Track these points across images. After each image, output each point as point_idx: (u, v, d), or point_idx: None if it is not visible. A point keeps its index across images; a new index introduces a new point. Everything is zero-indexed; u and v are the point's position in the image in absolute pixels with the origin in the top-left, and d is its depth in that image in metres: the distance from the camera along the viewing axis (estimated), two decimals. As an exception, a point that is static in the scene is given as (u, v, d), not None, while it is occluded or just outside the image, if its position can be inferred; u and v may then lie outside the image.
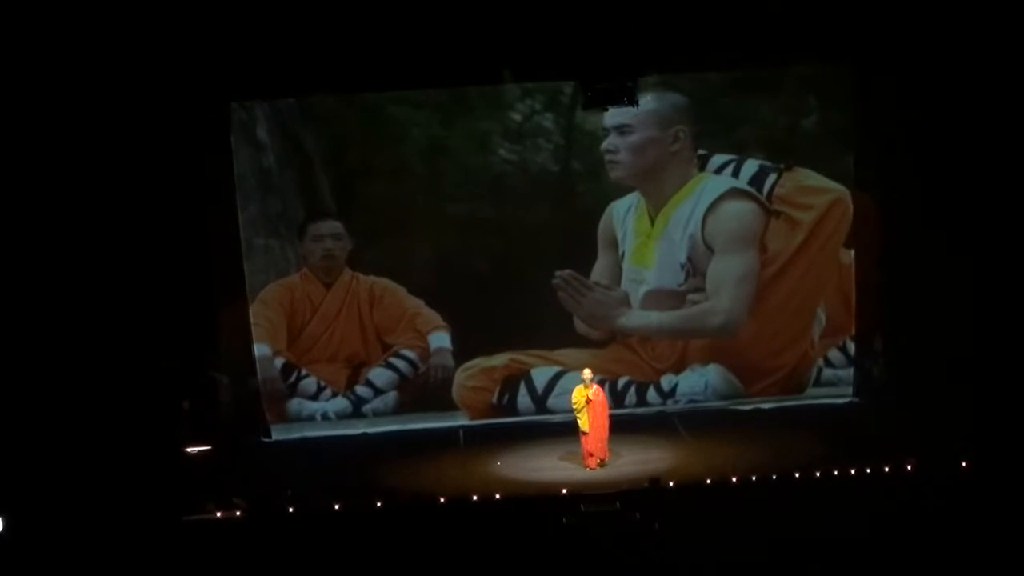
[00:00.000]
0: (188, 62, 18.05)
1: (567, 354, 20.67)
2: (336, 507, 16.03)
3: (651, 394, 20.66)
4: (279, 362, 20.61)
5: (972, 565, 13.34)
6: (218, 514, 16.06)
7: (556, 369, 20.65)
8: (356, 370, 20.78)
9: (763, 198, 20.21)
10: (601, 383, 19.06)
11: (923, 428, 17.53)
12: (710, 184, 20.27)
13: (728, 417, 19.97)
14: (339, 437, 20.32)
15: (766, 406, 20.36)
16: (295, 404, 20.67)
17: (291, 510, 16.07)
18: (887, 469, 16.19)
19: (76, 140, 17.95)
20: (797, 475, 16.24)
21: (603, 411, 17.68)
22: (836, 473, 16.20)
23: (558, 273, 20.40)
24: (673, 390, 20.68)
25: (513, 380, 20.71)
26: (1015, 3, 17.63)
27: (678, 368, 20.67)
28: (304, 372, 20.67)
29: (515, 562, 14.17)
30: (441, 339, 20.70)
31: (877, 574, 13.56)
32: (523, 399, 20.68)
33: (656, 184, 20.29)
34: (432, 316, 20.64)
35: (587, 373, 17.79)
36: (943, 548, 13.55)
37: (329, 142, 20.23)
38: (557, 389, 20.54)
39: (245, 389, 20.22)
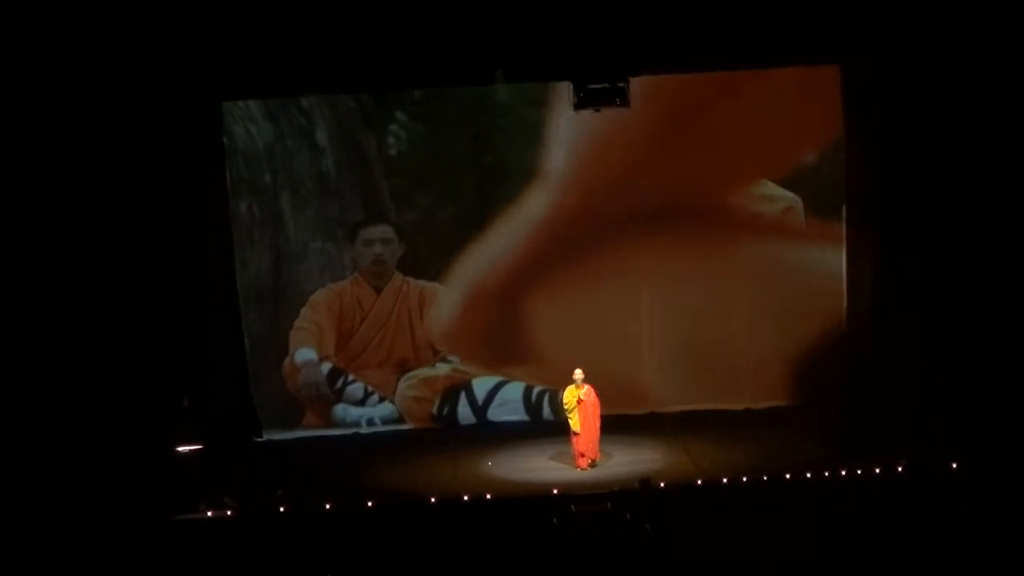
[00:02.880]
0: (181, 62, 18.05)
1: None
2: (327, 507, 16.05)
3: None
4: (325, 367, 20.53)
5: (963, 566, 13.37)
6: (209, 514, 16.07)
7: (497, 379, 20.55)
8: (405, 375, 20.71)
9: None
10: (543, 393, 19.62)
11: (913, 430, 17.58)
12: None
13: (719, 418, 19.95)
14: (330, 437, 20.28)
15: (757, 407, 20.38)
16: (340, 410, 20.56)
17: (282, 510, 16.08)
18: (878, 471, 16.24)
19: (71, 141, 17.89)
20: (788, 476, 16.29)
21: (595, 411, 17.68)
22: (827, 474, 16.24)
23: None
24: None
25: (454, 390, 20.57)
26: (1007, 3, 17.69)
27: None
28: (351, 377, 20.57)
29: (506, 562, 14.20)
30: None
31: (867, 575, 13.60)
32: (463, 409, 20.55)
33: None
34: None
35: (578, 374, 17.76)
36: (933, 550, 13.58)
37: (391, 144, 20.19)
38: (497, 400, 20.50)
39: (237, 388, 20.19)
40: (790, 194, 20.14)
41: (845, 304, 20.23)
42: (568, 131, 19.73)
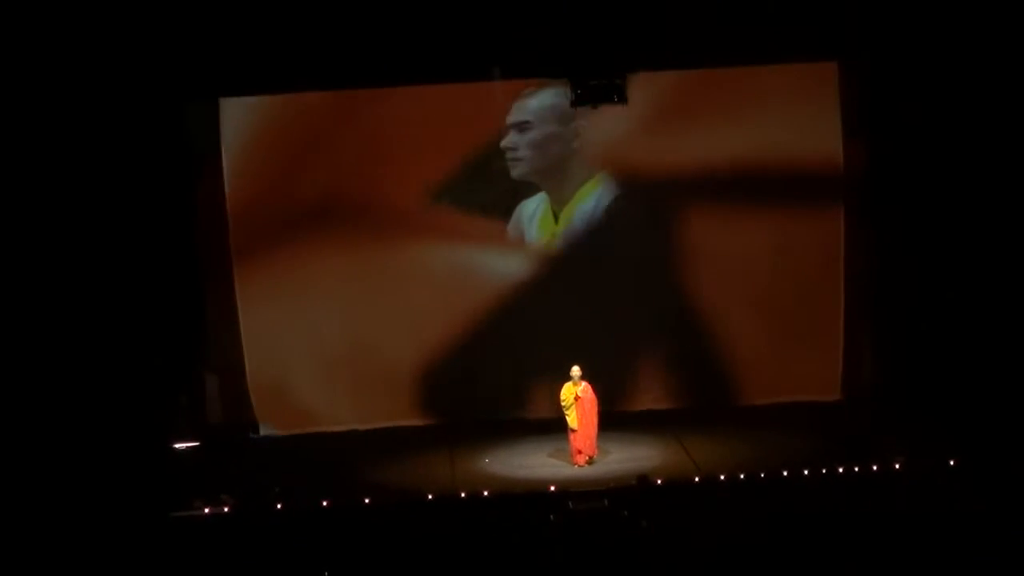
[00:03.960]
0: (178, 58, 18.06)
1: None
2: (324, 504, 16.04)
3: None
4: None
5: (960, 564, 13.36)
6: (206, 511, 16.06)
7: None
8: None
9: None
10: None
11: (911, 426, 17.58)
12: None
13: (717, 415, 19.94)
14: (327, 434, 20.25)
15: (755, 403, 20.34)
16: None
17: (279, 507, 16.07)
18: (875, 467, 16.25)
19: (66, 138, 17.93)
20: (785, 473, 16.28)
21: (592, 408, 17.67)
22: (824, 471, 16.24)
23: None
24: None
25: None
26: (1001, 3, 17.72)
27: None
28: None
29: (503, 559, 14.16)
30: None
31: (865, 572, 13.58)
32: None
33: (559, 181, 20.24)
34: None
35: (575, 371, 17.75)
36: (931, 546, 13.58)
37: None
38: None
39: (233, 385, 20.17)
40: None
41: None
42: (237, 123, 19.69)
